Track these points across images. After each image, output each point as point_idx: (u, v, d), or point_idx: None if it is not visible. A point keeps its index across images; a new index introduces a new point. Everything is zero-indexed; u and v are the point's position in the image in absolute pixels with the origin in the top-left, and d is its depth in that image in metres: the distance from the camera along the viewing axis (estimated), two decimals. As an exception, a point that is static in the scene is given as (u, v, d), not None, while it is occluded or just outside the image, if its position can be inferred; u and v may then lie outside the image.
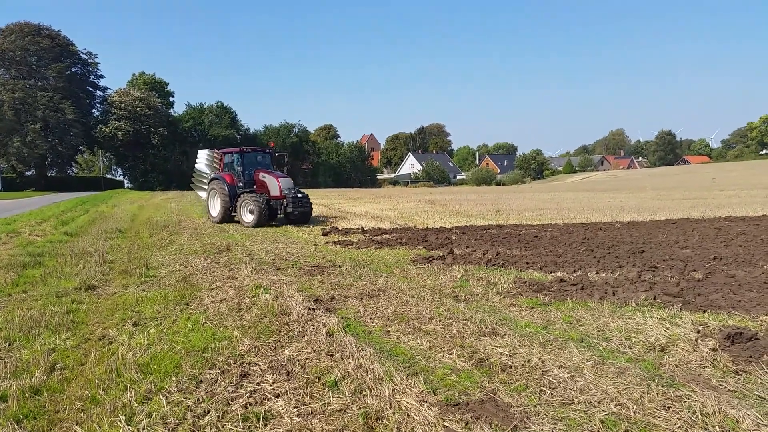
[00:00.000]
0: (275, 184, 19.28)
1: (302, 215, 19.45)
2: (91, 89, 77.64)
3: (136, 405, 4.30)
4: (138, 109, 74.21)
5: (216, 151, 22.87)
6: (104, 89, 78.98)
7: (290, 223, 19.50)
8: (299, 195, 19.25)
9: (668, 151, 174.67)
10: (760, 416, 3.96)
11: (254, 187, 19.89)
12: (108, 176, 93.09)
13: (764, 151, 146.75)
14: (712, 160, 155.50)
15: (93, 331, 6.41)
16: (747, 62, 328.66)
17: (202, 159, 23.02)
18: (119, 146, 75.27)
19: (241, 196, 19.28)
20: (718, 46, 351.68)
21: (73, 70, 73.44)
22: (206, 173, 22.44)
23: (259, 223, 18.53)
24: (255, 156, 21.01)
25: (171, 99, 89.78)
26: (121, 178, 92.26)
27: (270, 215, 19.03)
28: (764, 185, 54.35)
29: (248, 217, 18.90)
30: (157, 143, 75.78)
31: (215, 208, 20.42)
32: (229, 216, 19.93)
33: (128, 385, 4.68)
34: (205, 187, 21.92)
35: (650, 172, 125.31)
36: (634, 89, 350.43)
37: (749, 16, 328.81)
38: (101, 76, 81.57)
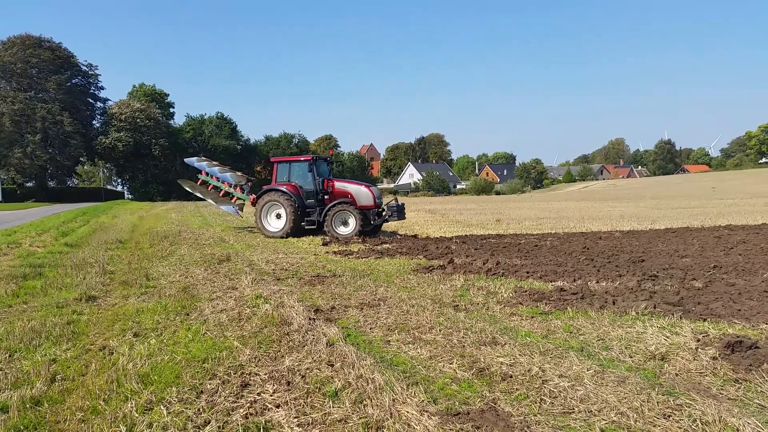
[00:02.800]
0: (368, 194, 18.80)
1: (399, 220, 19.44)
2: (91, 101, 77.81)
3: (136, 415, 4.30)
4: (138, 120, 74.39)
5: (212, 161, 22.92)
6: (105, 101, 79.22)
7: (367, 234, 18.60)
8: (401, 204, 19.16)
9: (668, 160, 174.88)
10: (760, 425, 3.96)
11: (326, 197, 19.07)
12: (108, 187, 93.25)
13: (763, 160, 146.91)
14: (712, 169, 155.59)
15: (93, 341, 6.40)
16: (746, 71, 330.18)
17: (227, 173, 22.25)
18: (119, 157, 75.38)
19: (334, 207, 18.40)
20: (717, 55, 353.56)
21: (73, 81, 73.65)
22: (231, 183, 21.75)
23: (357, 234, 17.90)
24: (320, 165, 20.16)
25: (171, 110, 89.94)
26: (122, 188, 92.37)
27: (364, 225, 18.40)
28: (764, 194, 54.43)
29: (343, 229, 18.30)
30: (157, 154, 75.91)
31: (279, 221, 19.04)
32: (298, 228, 18.87)
33: (129, 395, 4.68)
34: (220, 199, 21.67)
35: (650, 181, 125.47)
36: (633, 99, 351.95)
37: (748, 26, 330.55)
38: (102, 88, 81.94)
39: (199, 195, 23.05)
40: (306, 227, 19.10)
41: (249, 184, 22.22)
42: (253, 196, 20.44)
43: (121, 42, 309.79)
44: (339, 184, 19.31)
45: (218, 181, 22.46)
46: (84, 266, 11.70)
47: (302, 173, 19.50)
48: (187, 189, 23.57)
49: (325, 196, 19.11)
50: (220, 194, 22.26)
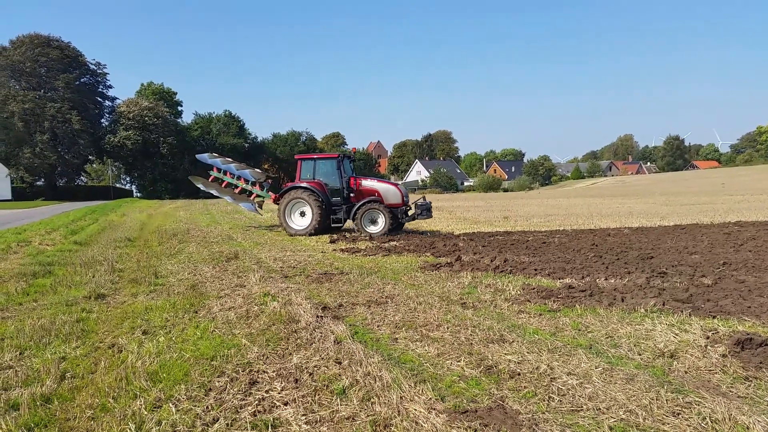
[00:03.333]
0: (396, 193, 18.78)
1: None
2: (100, 99, 78.40)
3: (145, 413, 4.32)
4: (146, 118, 74.80)
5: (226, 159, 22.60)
6: (113, 99, 79.87)
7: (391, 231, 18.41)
8: (429, 202, 19.13)
9: (677, 156, 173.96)
10: (770, 422, 3.93)
11: (351, 195, 18.96)
12: (117, 185, 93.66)
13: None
14: (721, 165, 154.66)
15: (103, 339, 6.44)
16: (756, 66, 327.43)
17: (245, 169, 21.98)
18: (128, 156, 75.84)
19: (364, 205, 18.23)
20: (727, 50, 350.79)
21: (82, 80, 74.18)
22: (250, 180, 21.43)
23: (387, 232, 17.84)
24: (345, 163, 19.92)
25: (179, 108, 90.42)
26: (130, 187, 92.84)
27: (393, 224, 18.34)
28: (774, 190, 53.96)
29: (372, 227, 18.21)
30: (165, 152, 76.32)
31: (304, 219, 18.78)
32: (323, 226, 18.59)
33: (138, 393, 4.70)
34: (236, 196, 21.49)
35: (659, 177, 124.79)
36: (642, 94, 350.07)
37: (758, 20, 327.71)
38: (110, 87, 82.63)
39: (213, 192, 22.51)
40: (333, 225, 18.95)
41: (269, 181, 21.94)
42: (275, 194, 20.27)
43: (129, 41, 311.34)
44: (366, 183, 19.20)
45: (233, 177, 22.09)
46: (93, 264, 11.77)
47: (328, 171, 19.28)
48: (199, 186, 23.13)
49: (351, 194, 19.00)
50: (237, 191, 21.89)
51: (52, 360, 5.57)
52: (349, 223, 19.25)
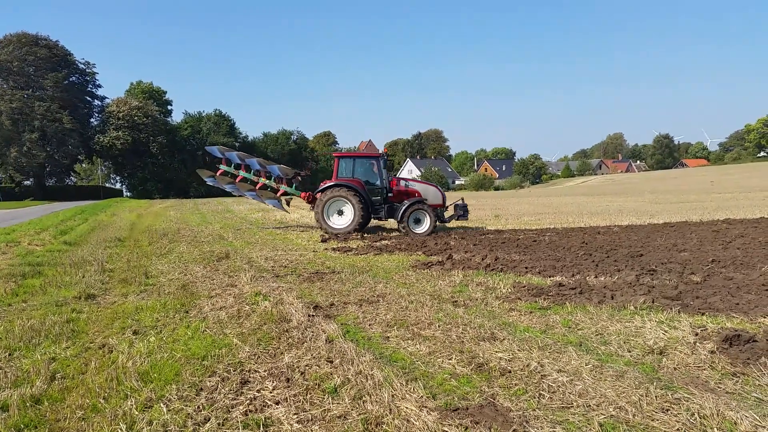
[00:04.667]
0: (437, 193, 18.99)
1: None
2: (89, 99, 77.85)
3: (136, 413, 4.31)
4: (136, 118, 74.35)
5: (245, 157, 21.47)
6: (102, 98, 79.27)
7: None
8: (465, 204, 19.28)
9: (666, 154, 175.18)
10: (758, 418, 3.97)
11: (390, 194, 18.77)
12: (107, 185, 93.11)
13: (762, 154, 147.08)
14: (710, 163, 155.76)
15: (93, 340, 6.41)
16: (744, 65, 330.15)
17: (273, 165, 21.16)
18: (118, 155, 75.36)
19: (412, 205, 18.01)
20: (716, 49, 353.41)
21: (70, 79, 73.63)
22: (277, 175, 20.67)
23: (431, 232, 17.82)
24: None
25: (169, 107, 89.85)
26: (120, 186, 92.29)
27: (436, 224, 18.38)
28: (762, 188, 54.49)
29: (418, 227, 18.08)
30: (155, 152, 75.91)
31: (342, 218, 18.41)
32: (363, 225, 18.41)
33: (129, 393, 4.69)
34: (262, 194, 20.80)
35: (648, 175, 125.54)
36: (632, 93, 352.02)
37: (746, 19, 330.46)
38: (99, 86, 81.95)
39: (226, 188, 21.23)
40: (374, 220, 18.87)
41: (298, 178, 21.04)
42: (305, 193, 20.02)
43: (118, 40, 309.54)
44: (406, 183, 19.33)
45: (250, 172, 21.05)
46: (83, 264, 11.70)
47: (368, 170, 19.06)
48: (207, 180, 21.70)
49: (389, 194, 18.83)
50: (257, 187, 20.96)
51: (41, 361, 5.54)
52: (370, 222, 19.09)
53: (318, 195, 18.71)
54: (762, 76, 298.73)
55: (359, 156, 19.83)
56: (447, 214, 19.31)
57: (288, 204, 21.46)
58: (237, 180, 21.14)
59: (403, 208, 18.03)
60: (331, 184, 18.46)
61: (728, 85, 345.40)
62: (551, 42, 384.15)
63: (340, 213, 18.47)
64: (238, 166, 21.30)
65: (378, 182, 18.78)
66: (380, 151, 20.98)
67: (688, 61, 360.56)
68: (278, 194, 20.86)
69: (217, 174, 21.30)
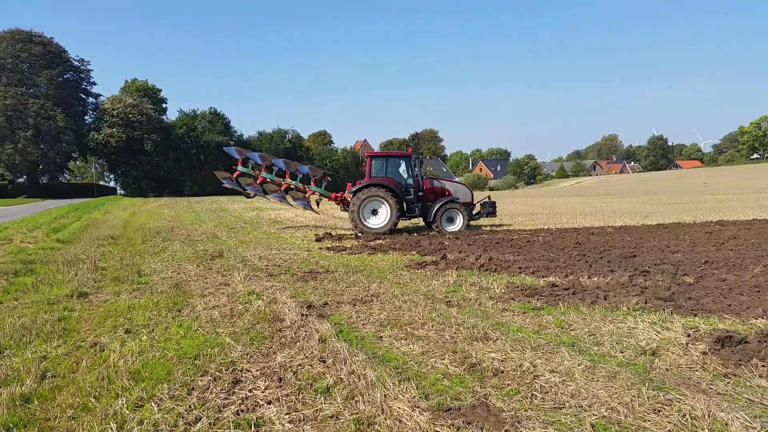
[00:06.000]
0: (466, 192, 19.65)
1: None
2: (83, 96, 77.39)
3: (127, 412, 4.28)
4: (130, 115, 73.93)
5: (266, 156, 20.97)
6: (96, 96, 78.78)
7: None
8: (493, 201, 19.90)
9: (660, 155, 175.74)
10: (748, 419, 3.98)
11: (420, 193, 18.92)
12: (100, 183, 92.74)
13: (755, 156, 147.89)
14: (704, 165, 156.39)
15: (84, 338, 6.38)
16: (739, 66, 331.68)
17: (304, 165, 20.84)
18: (112, 153, 74.95)
19: (445, 204, 18.36)
20: (711, 50, 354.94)
21: (65, 77, 73.20)
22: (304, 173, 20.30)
23: (462, 230, 18.06)
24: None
25: (164, 105, 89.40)
26: (114, 184, 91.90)
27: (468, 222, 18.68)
28: (755, 189, 54.72)
29: (450, 225, 18.37)
30: (149, 150, 75.52)
31: (376, 217, 18.28)
32: (396, 224, 18.35)
33: (120, 392, 4.66)
34: (296, 197, 20.49)
35: (642, 176, 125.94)
36: (627, 94, 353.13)
37: (741, 20, 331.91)
38: (94, 83, 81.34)
39: (249, 191, 20.51)
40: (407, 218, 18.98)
41: (327, 179, 20.84)
42: (336, 193, 20.00)
43: (114, 37, 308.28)
44: (437, 182, 19.60)
45: (272, 173, 20.59)
46: (75, 262, 11.65)
47: (401, 169, 19.12)
48: (225, 183, 20.87)
49: (419, 193, 18.93)
50: (282, 189, 20.41)
51: (32, 359, 5.51)
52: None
53: (347, 195, 18.84)
54: (756, 79, 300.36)
55: (392, 155, 19.83)
56: (474, 212, 19.69)
57: (318, 204, 21.12)
58: (257, 182, 20.50)
59: (437, 207, 18.31)
60: (367, 183, 18.37)
61: (723, 87, 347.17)
62: (548, 43, 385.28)
63: (374, 213, 18.41)
64: (258, 167, 20.75)
65: (411, 181, 18.90)
66: (406, 151, 20.71)
67: (684, 62, 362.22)
68: (308, 194, 20.54)
69: (234, 176, 20.66)
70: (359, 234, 17.82)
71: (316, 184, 20.53)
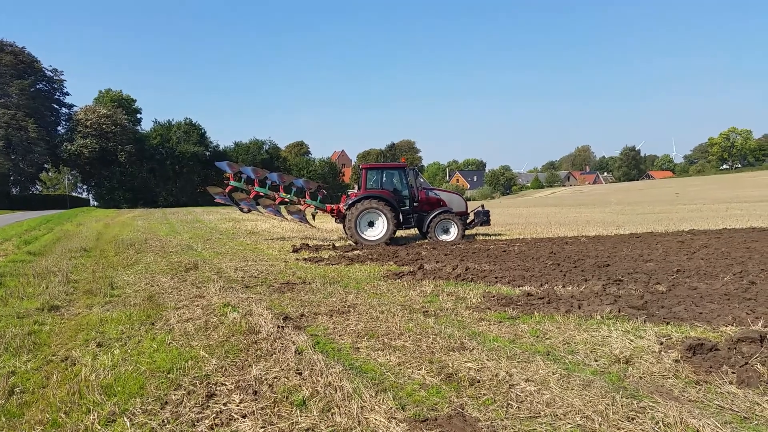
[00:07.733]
0: (461, 201, 19.85)
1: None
2: (56, 106, 76.32)
3: (99, 428, 4.21)
4: (104, 126, 72.99)
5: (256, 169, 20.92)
6: (70, 106, 77.71)
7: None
8: (487, 210, 20.11)
9: (632, 166, 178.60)
10: (719, 425, 4.04)
11: (415, 203, 18.92)
12: (73, 194, 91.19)
13: (724, 166, 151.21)
14: (675, 175, 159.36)
15: (55, 352, 6.25)
16: (708, 79, 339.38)
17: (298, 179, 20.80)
18: (85, 164, 73.86)
19: (439, 215, 18.53)
20: (682, 62, 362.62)
21: (37, 87, 72.10)
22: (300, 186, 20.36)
23: (459, 240, 18.23)
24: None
25: (138, 116, 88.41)
26: (87, 196, 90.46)
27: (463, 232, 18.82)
28: (724, 199, 55.90)
29: (445, 235, 18.49)
30: (123, 161, 74.60)
31: (374, 229, 18.22)
32: (394, 235, 18.40)
33: (91, 407, 4.58)
34: (289, 209, 20.25)
35: (615, 187, 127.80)
36: (600, 106, 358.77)
37: (710, 34, 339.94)
38: (67, 94, 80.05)
39: (242, 206, 20.21)
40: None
41: (323, 192, 20.63)
42: (332, 206, 19.88)
43: (88, 47, 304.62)
44: (433, 192, 19.75)
45: (265, 187, 20.33)
46: (47, 275, 11.43)
47: (396, 180, 19.20)
48: (217, 198, 20.62)
49: (415, 203, 18.98)
50: (277, 202, 20.24)
51: (0, 375, 5.38)
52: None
53: (342, 207, 18.89)
54: (724, 91, 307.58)
55: (387, 167, 19.90)
56: (467, 221, 19.74)
57: (314, 217, 20.99)
58: (251, 196, 20.33)
59: (430, 217, 18.47)
60: (363, 195, 18.32)
61: (693, 98, 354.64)
62: (522, 55, 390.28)
63: (371, 224, 18.34)
64: (250, 181, 20.59)
65: (406, 192, 18.98)
66: (399, 162, 20.91)
67: (655, 74, 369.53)
68: (304, 207, 20.41)
69: (226, 190, 20.40)
70: (356, 244, 17.79)
71: (311, 197, 20.37)
